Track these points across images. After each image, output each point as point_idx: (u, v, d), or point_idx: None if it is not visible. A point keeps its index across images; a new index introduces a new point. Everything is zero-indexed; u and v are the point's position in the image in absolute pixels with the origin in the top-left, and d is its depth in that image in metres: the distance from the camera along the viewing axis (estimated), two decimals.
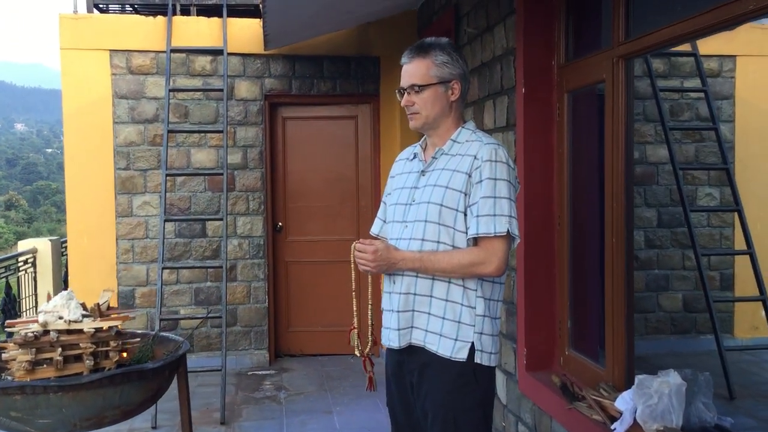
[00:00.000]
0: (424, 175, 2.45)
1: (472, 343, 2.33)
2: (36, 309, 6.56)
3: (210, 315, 5.57)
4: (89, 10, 6.14)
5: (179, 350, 2.80)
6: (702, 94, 5.74)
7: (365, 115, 6.43)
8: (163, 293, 5.99)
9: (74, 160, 5.93)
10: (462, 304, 2.34)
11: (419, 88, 2.40)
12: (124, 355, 2.69)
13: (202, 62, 6.01)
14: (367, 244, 2.35)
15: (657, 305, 6.18)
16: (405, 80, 2.44)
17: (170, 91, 5.67)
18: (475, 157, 2.34)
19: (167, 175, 5.47)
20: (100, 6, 6.55)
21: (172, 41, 5.88)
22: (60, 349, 2.68)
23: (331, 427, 4.71)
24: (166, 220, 5.30)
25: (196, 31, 5.99)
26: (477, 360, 2.34)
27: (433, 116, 2.43)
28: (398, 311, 2.40)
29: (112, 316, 2.88)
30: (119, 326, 2.82)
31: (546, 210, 3.62)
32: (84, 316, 2.81)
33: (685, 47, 5.65)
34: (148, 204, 5.97)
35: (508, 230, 2.28)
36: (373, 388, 2.57)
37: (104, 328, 2.81)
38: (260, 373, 5.99)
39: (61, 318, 2.76)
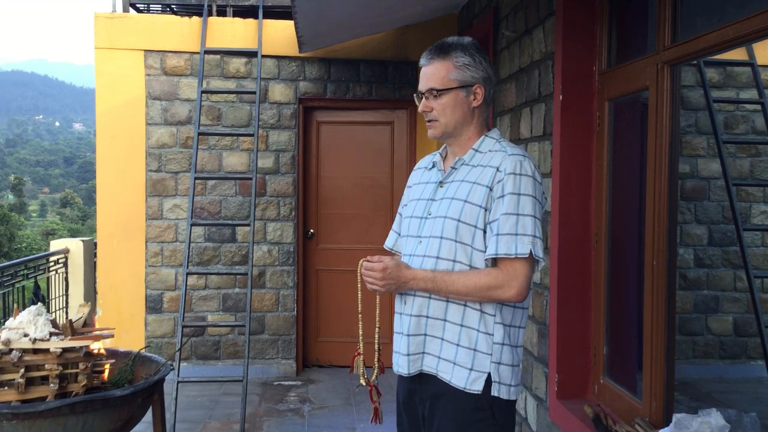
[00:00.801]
0: (442, 187, 2.25)
1: (489, 373, 2.12)
2: (66, 310, 6.53)
3: (235, 323, 5.43)
4: (125, 10, 6.09)
5: (158, 374, 2.57)
6: (759, 106, 5.41)
7: (402, 121, 6.24)
8: (191, 298, 5.90)
9: (106, 160, 5.87)
10: (478, 331, 2.13)
11: (438, 92, 2.20)
12: (104, 376, 2.49)
13: (237, 64, 5.90)
14: (376, 261, 2.16)
15: (705, 328, 5.85)
16: (423, 84, 2.24)
17: (203, 92, 5.56)
18: (498, 169, 2.12)
19: (196, 178, 5.36)
20: (138, 6, 6.51)
21: (207, 42, 5.79)
22: (23, 370, 2.43)
23: None
24: (193, 224, 5.19)
25: (232, 32, 5.89)
26: (494, 393, 2.12)
27: (453, 124, 2.22)
28: (409, 335, 2.20)
29: (86, 335, 2.63)
30: (98, 349, 2.56)
31: (582, 226, 3.38)
32: (53, 334, 2.55)
33: (742, 56, 5.34)
34: (179, 207, 5.88)
35: (530, 252, 2.06)
36: (378, 420, 2.37)
37: (73, 348, 2.53)
38: (286, 383, 5.83)
39: (26, 336, 2.52)
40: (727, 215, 5.61)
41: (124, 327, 5.86)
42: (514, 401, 2.19)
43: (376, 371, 2.34)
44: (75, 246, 6.57)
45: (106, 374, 2.52)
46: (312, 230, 6.23)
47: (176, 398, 4.69)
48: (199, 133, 5.36)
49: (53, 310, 6.34)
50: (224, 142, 5.92)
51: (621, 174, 3.29)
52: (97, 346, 2.48)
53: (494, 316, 2.13)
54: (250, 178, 5.37)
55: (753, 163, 5.81)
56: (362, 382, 2.32)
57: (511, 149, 2.17)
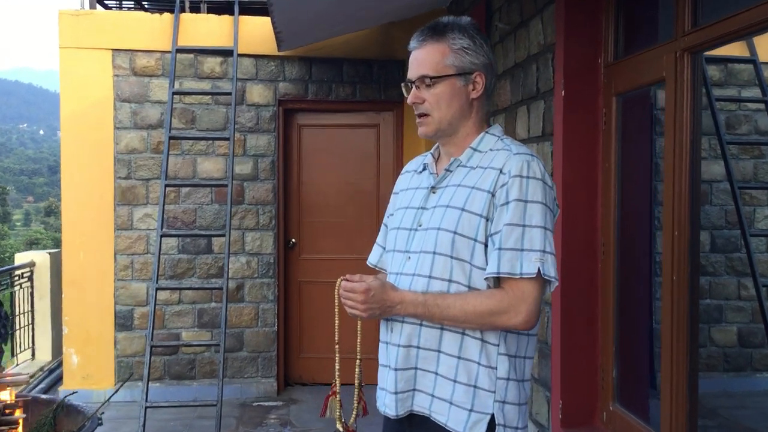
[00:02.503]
0: (434, 193, 1.90)
1: (492, 415, 1.77)
2: (32, 327, 6.13)
3: (209, 342, 5.06)
4: (92, 7, 5.71)
5: (82, 430, 2.04)
6: (762, 105, 5.12)
7: (388, 123, 5.90)
8: (164, 314, 5.52)
9: (71, 167, 5.48)
10: (479, 363, 1.78)
11: (431, 80, 1.86)
12: (18, 431, 2.06)
13: (212, 64, 5.54)
14: (357, 281, 1.81)
15: (708, 339, 5.55)
16: (413, 70, 1.89)
17: (174, 94, 5.20)
18: (501, 171, 1.78)
19: (168, 185, 4.99)
20: (107, 3, 6.14)
21: (180, 40, 5.43)
22: None
23: None
24: (163, 235, 4.82)
25: (206, 29, 5.53)
26: None
27: (448, 118, 1.87)
28: (396, 368, 1.84)
29: None
30: (8, 399, 2.10)
31: (588, 236, 3.04)
32: None
33: (743, 52, 5.05)
34: (150, 216, 5.50)
35: (539, 270, 1.72)
36: None
37: None
38: (266, 404, 5.46)
39: None
40: (730, 220, 5.31)
41: (92, 346, 5.47)
42: None
43: (355, 413, 1.98)
44: (41, 259, 6.19)
45: (20, 429, 2.06)
46: (293, 240, 5.87)
47: (144, 425, 4.32)
48: (171, 137, 5.00)
49: (18, 327, 5.95)
50: (199, 146, 5.55)
51: (631, 177, 2.96)
52: (5, 396, 2.05)
53: (498, 345, 1.79)
54: (226, 185, 5.01)
55: (756, 165, 5.50)
56: (339, 427, 1.96)
57: (516, 148, 1.82)
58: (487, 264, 1.77)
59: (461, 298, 1.76)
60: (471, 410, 1.77)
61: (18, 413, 1.92)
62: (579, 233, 3.02)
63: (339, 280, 1.85)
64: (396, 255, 1.94)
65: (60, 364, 5.87)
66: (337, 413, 1.94)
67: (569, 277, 3.03)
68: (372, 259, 2.13)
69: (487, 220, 1.77)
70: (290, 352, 5.88)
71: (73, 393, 2.07)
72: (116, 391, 2.34)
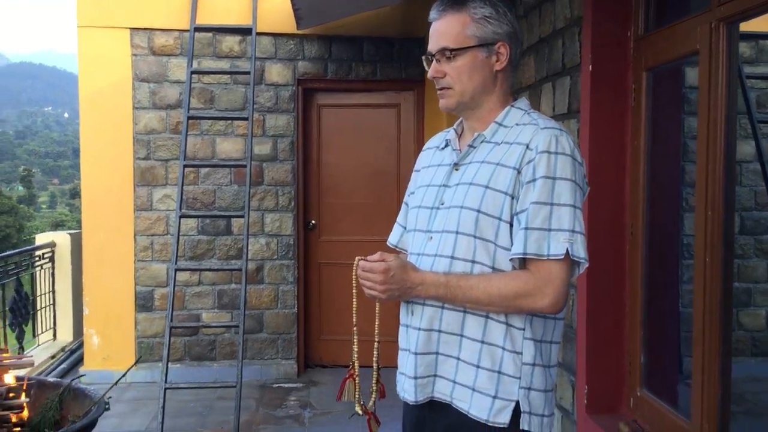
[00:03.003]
0: (457, 170, 1.81)
1: (517, 402, 1.69)
2: (54, 307, 6.15)
3: (229, 324, 5.03)
4: None
5: (87, 416, 1.94)
6: None
7: (409, 103, 5.80)
8: (184, 295, 5.50)
9: (91, 148, 5.46)
10: (504, 348, 1.70)
11: (452, 52, 1.77)
12: (23, 416, 1.98)
13: (230, 42, 5.46)
14: (375, 261, 1.73)
15: (737, 323, 5.44)
16: (433, 43, 1.81)
17: (193, 73, 5.14)
18: (528, 147, 1.69)
19: (186, 166, 4.94)
20: None
21: (198, 19, 5.35)
22: None
23: None
24: (182, 216, 4.77)
25: (225, 7, 5.45)
26: (524, 426, 1.69)
27: (470, 92, 1.79)
28: (416, 353, 1.77)
29: None
30: (11, 382, 2.05)
31: (615, 217, 2.94)
32: None
33: None
34: (169, 197, 5.46)
35: (567, 251, 1.63)
36: None
37: None
38: (286, 385, 5.43)
39: None
40: (760, 201, 5.17)
41: (112, 327, 5.47)
42: None
43: (374, 396, 1.92)
44: (62, 239, 6.19)
45: (25, 413, 2.01)
46: (313, 221, 5.81)
47: (163, 406, 4.30)
48: (189, 117, 4.94)
49: (39, 307, 5.96)
50: (217, 127, 5.50)
51: (661, 155, 2.85)
52: (9, 379, 1.98)
53: (523, 330, 1.71)
54: (245, 166, 4.95)
55: None
56: (357, 410, 1.90)
57: (543, 122, 1.73)
58: (512, 244, 1.68)
59: (485, 279, 1.68)
60: (495, 397, 1.69)
61: (22, 397, 1.87)
62: (606, 214, 2.92)
63: (357, 259, 1.77)
64: (417, 235, 1.86)
65: (81, 345, 5.88)
66: (356, 396, 1.88)
67: (595, 258, 2.92)
68: (392, 239, 2.06)
69: (513, 198, 1.69)
70: (310, 333, 5.84)
71: (81, 376, 2.03)
72: (124, 375, 2.30)
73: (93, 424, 1.85)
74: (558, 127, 1.71)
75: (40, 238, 6.25)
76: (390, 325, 1.86)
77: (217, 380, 5.33)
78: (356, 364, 1.90)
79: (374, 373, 1.90)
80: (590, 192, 2.89)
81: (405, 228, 2.00)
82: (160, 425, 4.23)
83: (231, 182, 5.54)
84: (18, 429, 1.85)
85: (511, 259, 1.68)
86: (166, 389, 4.36)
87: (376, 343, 1.88)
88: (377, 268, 1.71)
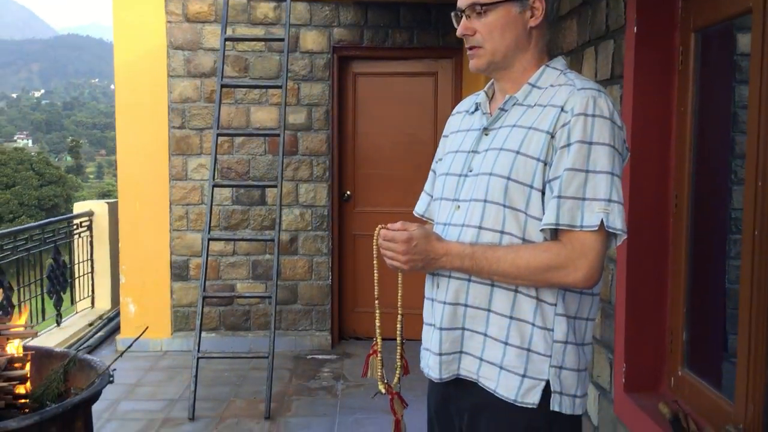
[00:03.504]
0: (487, 135, 1.70)
1: (548, 381, 1.59)
2: (92, 276, 6.21)
3: (262, 294, 5.00)
4: None
5: (89, 388, 1.91)
6: None
7: (446, 71, 5.65)
8: (219, 265, 5.49)
9: (126, 117, 5.45)
10: (533, 325, 1.60)
11: (482, 7, 1.65)
12: (26, 388, 1.91)
13: (265, 9, 5.37)
14: (397, 230, 1.64)
15: None
16: None
17: (227, 40, 5.05)
18: (563, 109, 1.57)
19: (219, 134, 4.88)
20: None
21: None
22: None
23: None
24: (215, 186, 4.73)
25: None
26: (554, 407, 1.60)
27: (502, 50, 1.67)
28: (441, 328, 1.68)
29: None
30: (14, 352, 1.94)
31: (659, 187, 2.79)
32: None
33: None
34: (204, 167, 5.43)
35: (602, 222, 1.52)
36: None
37: None
38: (320, 357, 5.40)
39: None
40: None
41: (149, 296, 5.49)
42: (580, 417, 1.66)
43: (398, 374, 1.83)
44: (100, 208, 6.24)
45: (29, 384, 1.94)
46: (348, 192, 5.74)
47: (196, 375, 4.30)
48: (223, 86, 4.87)
49: (78, 275, 6.03)
50: (252, 95, 5.43)
51: (709, 123, 2.69)
52: (12, 349, 1.92)
53: (555, 305, 1.60)
54: (279, 135, 4.87)
55: None
56: (381, 388, 1.82)
57: (581, 82, 1.61)
58: (543, 214, 1.57)
59: (513, 251, 1.57)
60: (524, 376, 1.60)
61: (27, 367, 1.81)
62: (649, 184, 2.78)
63: (378, 228, 1.68)
64: (444, 204, 1.76)
65: (119, 313, 5.93)
66: (379, 373, 1.80)
67: (637, 231, 2.79)
68: (419, 208, 1.96)
69: (546, 164, 1.57)
70: (344, 305, 5.79)
71: (87, 346, 1.99)
72: (131, 345, 2.23)
73: (96, 396, 1.80)
74: (596, 87, 1.59)
75: (79, 207, 6.31)
76: (418, 297, 1.78)
77: (252, 350, 5.33)
78: (379, 339, 1.82)
79: (398, 348, 1.82)
80: (633, 161, 2.76)
81: (432, 197, 1.91)
82: (193, 394, 4.24)
83: (265, 152, 5.48)
84: (20, 401, 1.81)
85: (542, 230, 1.57)
86: (198, 358, 4.35)
87: (399, 317, 1.80)
88: (399, 238, 1.62)
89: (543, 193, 1.58)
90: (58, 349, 2.11)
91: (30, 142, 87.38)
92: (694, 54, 2.66)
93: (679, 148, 2.73)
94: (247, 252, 5.51)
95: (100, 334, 5.67)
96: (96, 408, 4.31)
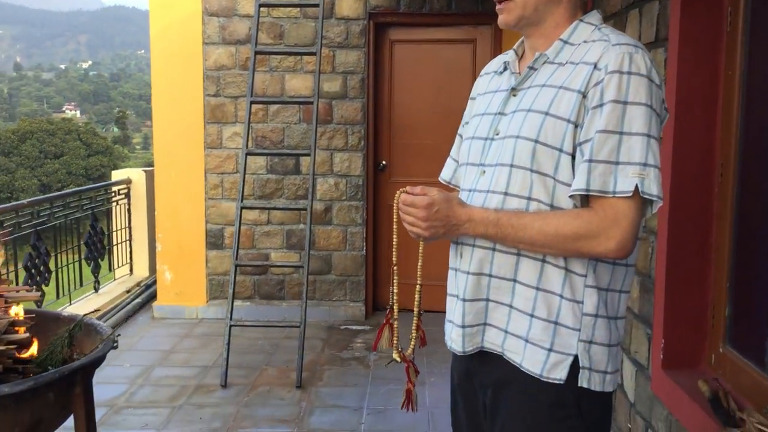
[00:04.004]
0: (515, 95, 1.60)
1: (576, 356, 1.51)
2: (130, 243, 6.27)
3: (295, 264, 4.98)
4: None
5: (91, 353, 1.82)
6: None
7: (485, 38, 5.50)
8: (253, 234, 5.48)
9: (161, 85, 5.44)
10: (562, 296, 1.51)
11: None
12: (33, 353, 1.84)
13: None
14: (418, 194, 1.56)
15: None
16: None
17: (261, 6, 4.98)
18: (596, 66, 1.46)
19: (253, 102, 4.83)
20: None
21: None
22: None
23: (421, 404, 3.98)
24: (248, 154, 4.69)
25: None
26: (583, 383, 1.51)
27: (533, 3, 1.57)
28: (465, 299, 1.61)
29: None
30: (16, 314, 1.87)
31: (704, 156, 2.65)
32: None
33: None
34: (239, 135, 5.40)
35: (637, 187, 1.41)
36: (412, 407, 1.82)
37: None
38: (353, 328, 5.38)
39: None
40: None
41: (185, 264, 5.52)
42: (611, 394, 1.57)
43: (413, 343, 1.77)
44: (137, 176, 6.27)
45: (34, 350, 1.87)
46: (384, 162, 5.66)
47: (228, 342, 4.30)
48: (257, 52, 4.81)
49: (116, 243, 6.09)
50: (287, 63, 5.36)
51: (759, 89, 2.53)
52: (14, 312, 1.87)
53: (585, 276, 1.51)
54: (313, 103, 4.80)
55: None
56: (395, 357, 1.77)
57: (616, 37, 1.50)
58: (573, 179, 1.47)
59: (541, 218, 1.48)
60: (550, 350, 1.51)
61: (22, 331, 1.76)
62: (693, 153, 2.64)
63: (398, 192, 1.60)
64: (469, 169, 1.68)
65: (156, 281, 5.98)
66: (394, 342, 1.74)
67: (680, 202, 2.67)
68: (444, 174, 1.88)
69: (576, 126, 1.47)
70: (379, 276, 5.75)
71: (95, 311, 1.96)
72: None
73: (97, 362, 1.71)
74: (633, 42, 1.47)
75: (117, 175, 6.36)
76: (443, 268, 1.71)
77: (285, 320, 5.32)
78: (395, 308, 1.76)
79: (414, 318, 1.75)
80: (677, 128, 2.62)
81: (458, 162, 1.82)
82: (225, 361, 4.24)
83: (300, 120, 5.42)
84: (22, 366, 1.76)
85: (571, 196, 1.47)
86: (231, 326, 4.35)
87: (417, 286, 1.73)
88: (420, 203, 1.54)
89: (573, 157, 1.48)
90: (65, 314, 2.06)
91: (78, 113, 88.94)
92: (743, 15, 2.50)
93: (725, 116, 2.58)
94: (281, 221, 5.48)
95: (137, 301, 5.73)
96: (130, 374, 4.39)
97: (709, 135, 2.64)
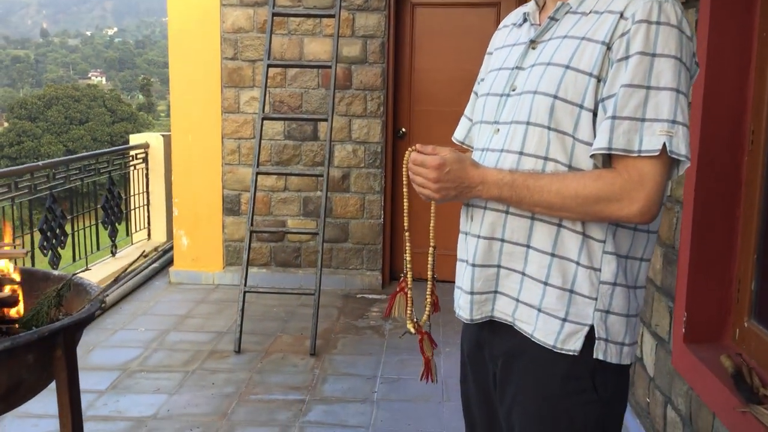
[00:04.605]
0: (534, 48, 1.50)
1: (592, 326, 1.42)
2: (148, 208, 6.24)
3: (312, 231, 4.91)
4: None
5: (76, 315, 1.71)
6: None
7: (509, 1, 5.34)
8: (270, 201, 5.42)
9: (178, 48, 5.36)
10: (578, 263, 1.42)
11: None
12: (18, 312, 1.76)
13: None
14: (429, 153, 1.47)
15: None
16: None
17: None
18: (621, 16, 1.36)
19: (270, 65, 4.73)
20: None
21: None
22: None
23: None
24: (264, 118, 4.61)
25: None
26: (598, 355, 1.43)
27: None
28: (474, 265, 1.52)
29: None
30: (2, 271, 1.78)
31: (734, 122, 2.53)
32: None
33: None
34: (257, 99, 5.32)
35: (664, 146, 1.31)
36: (431, 378, 1.74)
37: None
38: (369, 296, 5.32)
39: None
40: None
41: (202, 229, 5.49)
42: (628, 367, 1.49)
43: (427, 311, 1.69)
44: (155, 141, 6.22)
45: (20, 309, 1.78)
46: (403, 129, 5.55)
47: (242, 309, 4.26)
48: (274, 14, 4.70)
49: (133, 207, 6.07)
50: (306, 26, 5.25)
51: None
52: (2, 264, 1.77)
53: (603, 242, 1.42)
54: (331, 67, 4.70)
55: None
56: (409, 327, 1.68)
57: None
58: (594, 138, 1.38)
59: (559, 179, 1.39)
60: (564, 319, 1.43)
61: (6, 289, 1.67)
62: (722, 117, 2.51)
63: (408, 151, 1.52)
64: (483, 127, 1.58)
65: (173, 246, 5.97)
66: (408, 312, 1.66)
67: (708, 169, 2.55)
68: (458, 134, 1.78)
69: (599, 80, 1.37)
70: (396, 245, 5.67)
71: (86, 270, 1.88)
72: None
73: (82, 322, 1.66)
74: None
75: (134, 139, 6.31)
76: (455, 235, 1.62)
77: (301, 287, 5.27)
78: (409, 276, 1.68)
79: (428, 283, 1.67)
80: (706, 91, 2.49)
81: (472, 121, 1.72)
82: (239, 327, 4.21)
83: (318, 85, 5.32)
84: (7, 326, 1.72)
85: (592, 156, 1.38)
86: (245, 292, 4.31)
87: (431, 249, 1.64)
88: (430, 163, 1.45)
89: (595, 115, 1.38)
90: (55, 272, 1.97)
91: (104, 79, 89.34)
92: None
93: (758, 79, 2.45)
94: (298, 188, 5.42)
95: (154, 265, 5.71)
96: (144, 338, 4.38)
97: (740, 99, 2.51)
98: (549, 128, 1.41)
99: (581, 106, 1.38)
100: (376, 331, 4.61)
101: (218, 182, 5.45)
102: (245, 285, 4.33)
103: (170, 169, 5.99)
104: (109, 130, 43.39)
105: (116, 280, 1.96)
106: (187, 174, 5.44)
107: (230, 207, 5.47)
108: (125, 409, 3.47)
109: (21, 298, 1.70)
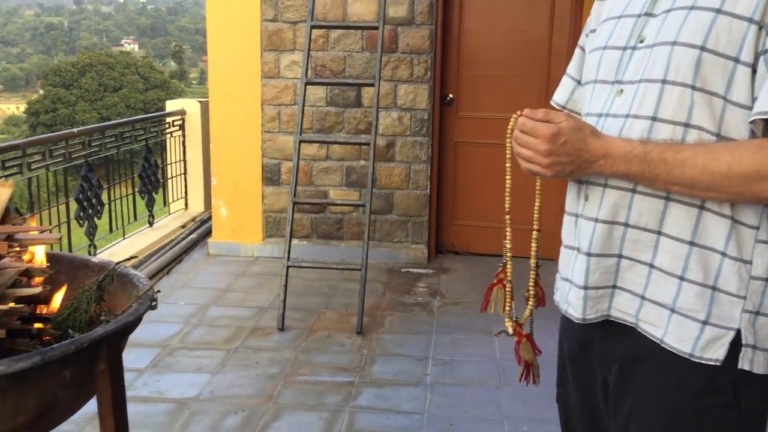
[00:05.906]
0: None
1: (738, 331, 1.17)
2: (185, 177, 6.06)
3: (356, 203, 4.69)
4: None
5: (121, 317, 1.38)
6: None
7: None
8: (311, 170, 5.19)
9: (216, 9, 5.11)
10: (724, 254, 1.16)
11: None
12: (53, 308, 1.43)
13: None
14: (540, 119, 1.21)
15: None
16: None
17: None
18: None
19: (313, 27, 4.47)
20: None
21: None
22: None
23: (490, 355, 3.72)
24: (307, 83, 4.36)
25: None
26: (743, 365, 1.18)
27: None
28: (590, 254, 1.27)
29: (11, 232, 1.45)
30: (33, 260, 1.49)
31: None
32: None
33: None
34: (297, 64, 5.06)
35: None
36: (533, 380, 1.49)
37: None
38: (415, 271, 5.09)
39: None
40: None
41: (241, 200, 5.28)
42: None
43: (530, 307, 1.43)
44: (192, 107, 6.01)
45: (56, 305, 1.45)
46: (451, 95, 5.26)
47: (285, 284, 4.06)
48: None
49: (170, 176, 5.89)
50: None
51: None
52: (34, 255, 1.40)
53: (757, 229, 1.16)
54: (377, 28, 4.42)
55: None
56: (507, 326, 1.41)
57: None
58: (754, 100, 1.11)
59: (706, 151, 1.12)
60: (705, 322, 1.17)
61: (31, 283, 1.34)
62: None
63: (515, 116, 1.25)
64: (598, 88, 1.31)
65: (211, 216, 5.78)
66: (507, 308, 1.40)
67: None
68: (559, 97, 1.51)
69: (761, 27, 1.09)
70: (443, 217, 5.42)
71: (131, 258, 1.67)
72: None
73: (129, 326, 1.36)
74: None
75: (171, 105, 6.10)
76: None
77: (344, 260, 5.07)
78: (509, 266, 1.41)
79: (531, 273, 1.41)
80: None
81: (578, 82, 1.46)
82: (282, 303, 4.02)
83: (362, 49, 5.04)
84: (37, 325, 1.41)
85: (751, 122, 1.11)
86: (288, 267, 4.11)
87: (534, 233, 1.37)
88: (543, 132, 1.19)
89: (754, 71, 1.11)
90: (95, 260, 1.64)
91: (136, 47, 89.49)
92: None
93: None
94: (341, 157, 5.17)
95: (192, 236, 5.54)
96: (184, 312, 4.19)
97: None
98: (693, 87, 1.14)
99: (737, 60, 1.11)
100: (425, 308, 4.39)
101: (258, 151, 5.23)
102: (288, 259, 4.12)
103: (207, 136, 5.78)
104: (143, 98, 43.53)
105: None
106: (226, 142, 5.23)
107: (270, 176, 5.25)
108: (166, 390, 3.30)
109: (54, 292, 1.43)
